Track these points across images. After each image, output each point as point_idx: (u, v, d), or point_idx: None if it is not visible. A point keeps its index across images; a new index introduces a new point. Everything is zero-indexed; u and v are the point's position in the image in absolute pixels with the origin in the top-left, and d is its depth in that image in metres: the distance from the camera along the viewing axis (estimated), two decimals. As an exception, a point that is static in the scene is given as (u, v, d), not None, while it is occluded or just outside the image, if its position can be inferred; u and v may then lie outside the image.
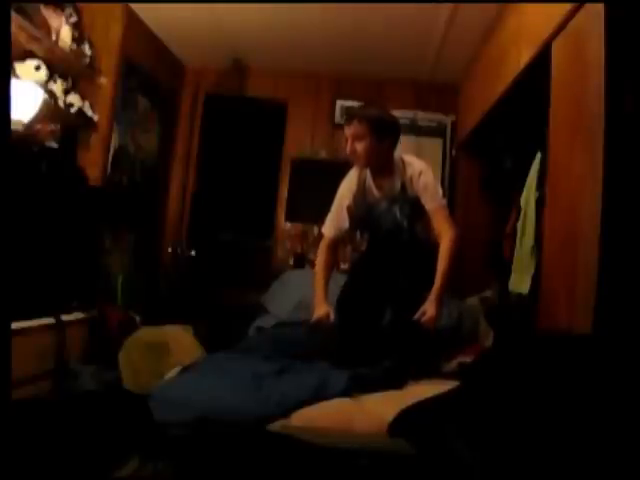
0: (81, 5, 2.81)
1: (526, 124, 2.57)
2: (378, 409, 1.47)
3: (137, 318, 2.76)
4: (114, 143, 3.02)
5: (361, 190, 2.12)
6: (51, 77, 2.60)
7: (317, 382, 1.59)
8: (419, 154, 2.32)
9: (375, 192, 2.10)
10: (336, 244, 2.23)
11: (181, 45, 3.63)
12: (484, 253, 3.31)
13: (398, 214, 2.03)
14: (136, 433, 1.68)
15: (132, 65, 3.14)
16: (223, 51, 3.62)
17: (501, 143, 3.10)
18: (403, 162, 2.05)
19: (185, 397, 1.50)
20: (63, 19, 2.61)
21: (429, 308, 1.85)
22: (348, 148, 1.99)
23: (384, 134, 1.97)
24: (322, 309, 2.04)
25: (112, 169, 3.01)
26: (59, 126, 2.64)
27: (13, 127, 2.20)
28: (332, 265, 2.22)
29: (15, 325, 1.91)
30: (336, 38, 3.29)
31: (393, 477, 1.30)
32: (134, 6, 3.04)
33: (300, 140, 3.92)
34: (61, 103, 2.64)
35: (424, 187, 1.99)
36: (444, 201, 2.02)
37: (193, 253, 3.76)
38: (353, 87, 3.88)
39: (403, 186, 2.02)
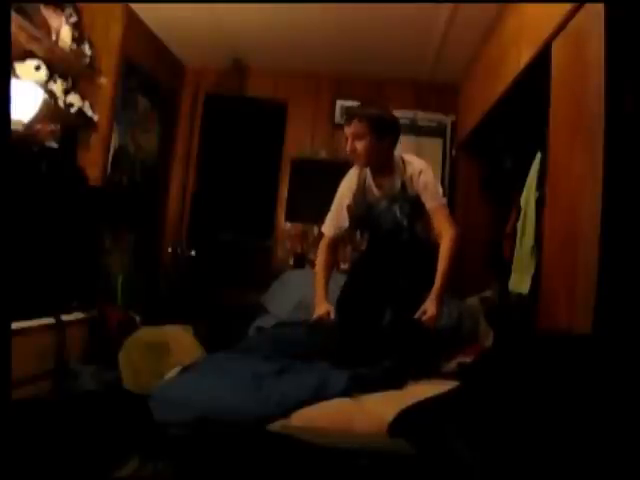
0: (81, 5, 2.82)
1: (526, 124, 2.57)
2: (378, 409, 1.47)
3: (137, 318, 2.76)
4: (114, 143, 3.02)
5: (361, 189, 2.12)
6: (51, 77, 2.60)
7: (317, 382, 1.59)
8: (419, 154, 2.31)
9: (375, 191, 2.10)
10: (336, 243, 2.23)
11: (181, 45, 3.63)
12: (484, 253, 3.31)
13: (398, 213, 2.03)
14: (136, 433, 1.68)
15: (132, 65, 3.14)
16: (223, 51, 3.62)
17: (501, 143, 3.10)
18: (403, 161, 2.05)
19: (185, 397, 1.49)
20: (63, 19, 2.61)
21: (429, 307, 1.85)
22: (348, 147, 1.99)
23: (384, 133, 1.97)
24: (323, 307, 2.05)
25: (112, 169, 3.01)
26: (59, 126, 2.64)
27: (13, 127, 2.20)
28: (332, 264, 2.22)
29: (15, 325, 1.92)
30: (336, 38, 3.29)
31: (393, 477, 1.30)
32: (134, 6, 3.05)
33: (300, 140, 3.91)
34: (61, 103, 2.64)
35: (424, 186, 1.99)
36: (444, 200, 2.02)
37: (193, 253, 3.76)
38: (353, 87, 3.88)
39: (403, 185, 2.02)
